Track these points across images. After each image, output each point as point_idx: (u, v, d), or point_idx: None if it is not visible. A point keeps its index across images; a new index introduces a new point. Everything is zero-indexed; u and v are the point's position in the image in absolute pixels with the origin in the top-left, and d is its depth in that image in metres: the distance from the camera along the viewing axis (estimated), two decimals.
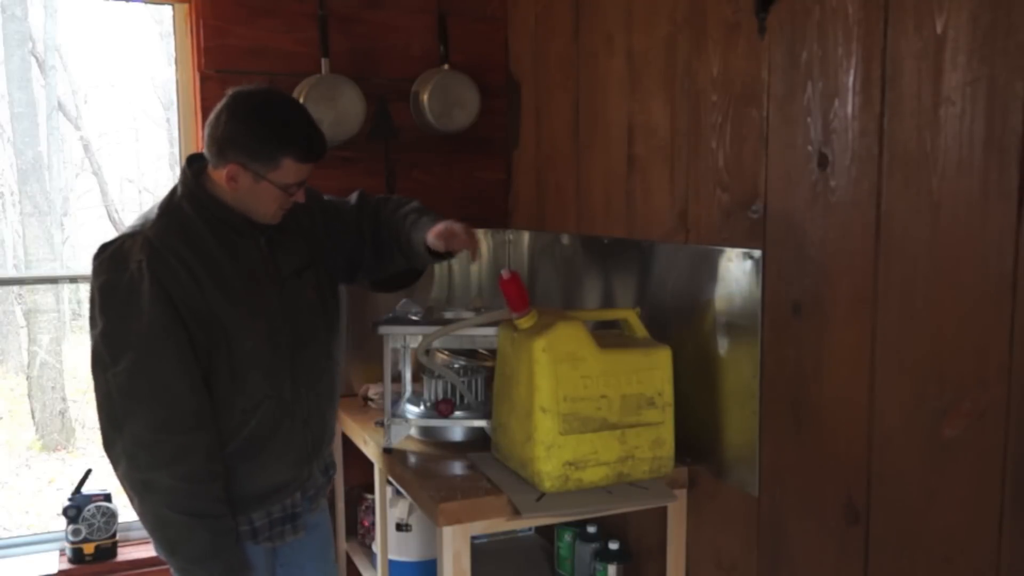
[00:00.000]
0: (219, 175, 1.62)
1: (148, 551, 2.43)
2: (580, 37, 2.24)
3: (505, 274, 1.68)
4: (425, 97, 2.50)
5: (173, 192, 1.67)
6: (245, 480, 1.66)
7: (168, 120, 7.68)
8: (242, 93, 1.63)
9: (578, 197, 2.30)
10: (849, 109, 1.39)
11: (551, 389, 1.63)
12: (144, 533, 1.93)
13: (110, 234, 1.68)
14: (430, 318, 1.96)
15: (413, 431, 2.00)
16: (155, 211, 1.63)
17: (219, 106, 1.62)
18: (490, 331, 1.85)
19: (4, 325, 7.48)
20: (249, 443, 1.65)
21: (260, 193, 1.63)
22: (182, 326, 1.56)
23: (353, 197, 1.94)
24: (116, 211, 8.05)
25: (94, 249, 1.61)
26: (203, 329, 1.58)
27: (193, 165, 1.67)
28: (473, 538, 1.72)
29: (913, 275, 1.29)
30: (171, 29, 2.49)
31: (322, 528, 1.92)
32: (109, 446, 1.57)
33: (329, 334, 1.82)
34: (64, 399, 6.88)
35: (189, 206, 1.63)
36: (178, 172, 1.73)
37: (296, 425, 1.73)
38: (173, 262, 1.56)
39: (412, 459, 1.92)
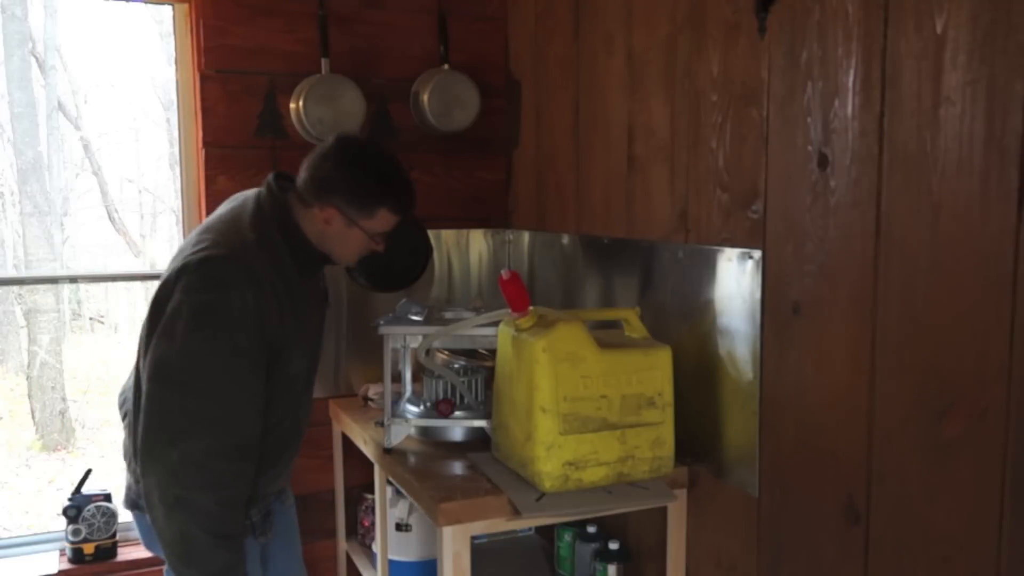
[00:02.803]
0: (311, 213, 1.68)
1: (148, 551, 2.43)
2: (580, 37, 2.24)
3: (505, 274, 1.69)
4: (425, 97, 2.50)
5: (261, 212, 1.67)
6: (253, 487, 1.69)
7: (168, 120, 7.68)
8: (350, 140, 1.71)
9: (578, 197, 2.30)
10: (849, 109, 1.39)
11: (551, 389, 1.63)
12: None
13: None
14: (430, 318, 1.96)
15: (413, 431, 2.00)
16: (247, 231, 1.63)
17: (325, 148, 1.68)
18: (490, 331, 1.85)
19: (4, 325, 7.47)
20: (262, 459, 1.68)
21: (349, 237, 1.70)
22: (265, 358, 1.59)
23: None
24: (116, 211, 8.05)
25: (184, 255, 1.58)
26: (273, 355, 1.62)
27: (279, 182, 1.72)
28: (473, 538, 1.72)
29: (913, 275, 1.29)
30: (171, 29, 2.49)
31: (291, 518, 1.98)
32: (149, 454, 1.54)
33: None
34: (64, 399, 6.88)
35: (280, 236, 1.66)
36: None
37: (300, 440, 1.83)
38: (269, 294, 1.58)
39: (412, 459, 1.92)
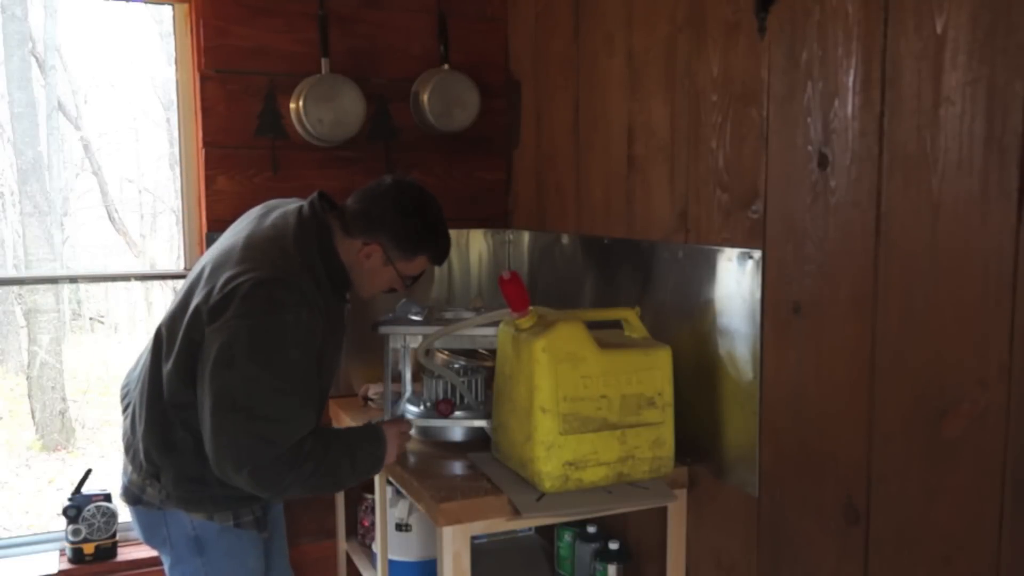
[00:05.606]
0: (351, 243, 1.73)
1: (148, 551, 2.42)
2: (580, 37, 2.24)
3: (505, 275, 1.69)
4: (425, 97, 2.50)
5: (304, 233, 1.70)
6: None
7: (168, 120, 7.67)
8: (407, 187, 1.77)
9: (578, 197, 2.30)
10: (849, 109, 1.39)
11: (551, 389, 1.63)
12: None
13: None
14: (430, 318, 1.96)
15: (413, 431, 2.00)
16: (292, 252, 1.66)
17: (382, 188, 1.74)
18: (490, 331, 1.85)
19: (4, 325, 7.47)
20: None
21: (380, 274, 1.76)
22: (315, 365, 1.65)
23: None
24: (116, 211, 8.05)
25: (226, 279, 1.60)
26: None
27: (321, 201, 1.76)
28: (473, 538, 1.72)
29: (913, 275, 1.29)
30: (171, 29, 2.49)
31: (280, 513, 2.05)
32: (224, 475, 1.59)
33: None
34: (64, 399, 6.87)
35: (322, 263, 1.70)
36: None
37: None
38: (316, 312, 1.62)
39: (412, 459, 1.92)
